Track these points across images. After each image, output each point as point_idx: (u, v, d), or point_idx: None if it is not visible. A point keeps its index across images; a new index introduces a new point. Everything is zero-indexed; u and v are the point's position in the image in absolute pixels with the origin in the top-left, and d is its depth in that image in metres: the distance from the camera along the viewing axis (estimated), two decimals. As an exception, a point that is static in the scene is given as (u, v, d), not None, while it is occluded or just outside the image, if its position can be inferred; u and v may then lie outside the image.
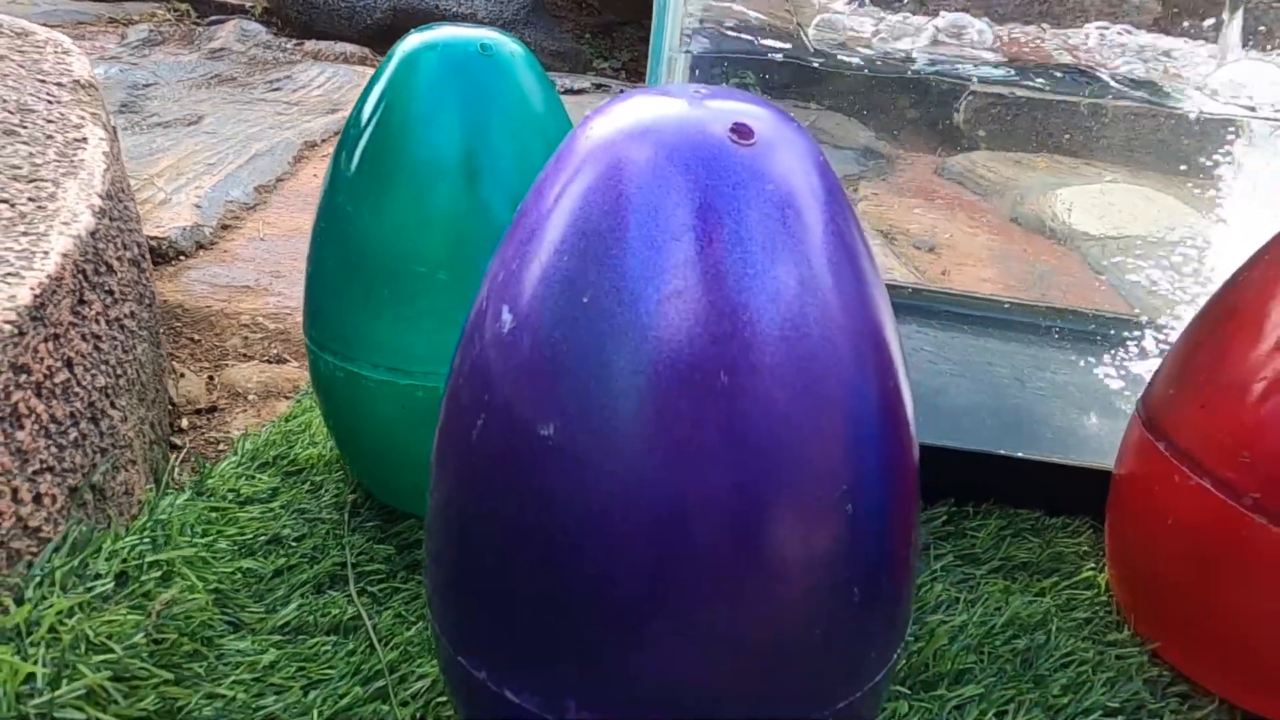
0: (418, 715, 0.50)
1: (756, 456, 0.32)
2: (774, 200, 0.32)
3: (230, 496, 0.64)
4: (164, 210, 1.22)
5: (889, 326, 0.37)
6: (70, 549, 0.49)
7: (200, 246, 1.18)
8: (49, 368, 0.44)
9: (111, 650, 0.42)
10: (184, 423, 0.84)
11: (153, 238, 1.14)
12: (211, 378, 0.92)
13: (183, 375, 0.90)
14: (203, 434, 0.83)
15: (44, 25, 2.58)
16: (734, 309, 0.31)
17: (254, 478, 0.67)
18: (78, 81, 0.65)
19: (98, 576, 0.47)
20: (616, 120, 0.34)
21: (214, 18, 2.47)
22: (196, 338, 1.00)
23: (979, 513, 0.70)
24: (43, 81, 0.63)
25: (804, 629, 0.34)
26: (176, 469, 0.69)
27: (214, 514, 0.62)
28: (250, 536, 0.61)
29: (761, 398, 0.31)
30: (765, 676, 0.34)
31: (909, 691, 0.54)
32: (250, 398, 0.89)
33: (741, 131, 0.32)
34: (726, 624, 0.33)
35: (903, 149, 1.92)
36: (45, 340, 0.43)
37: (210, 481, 0.65)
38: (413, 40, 0.60)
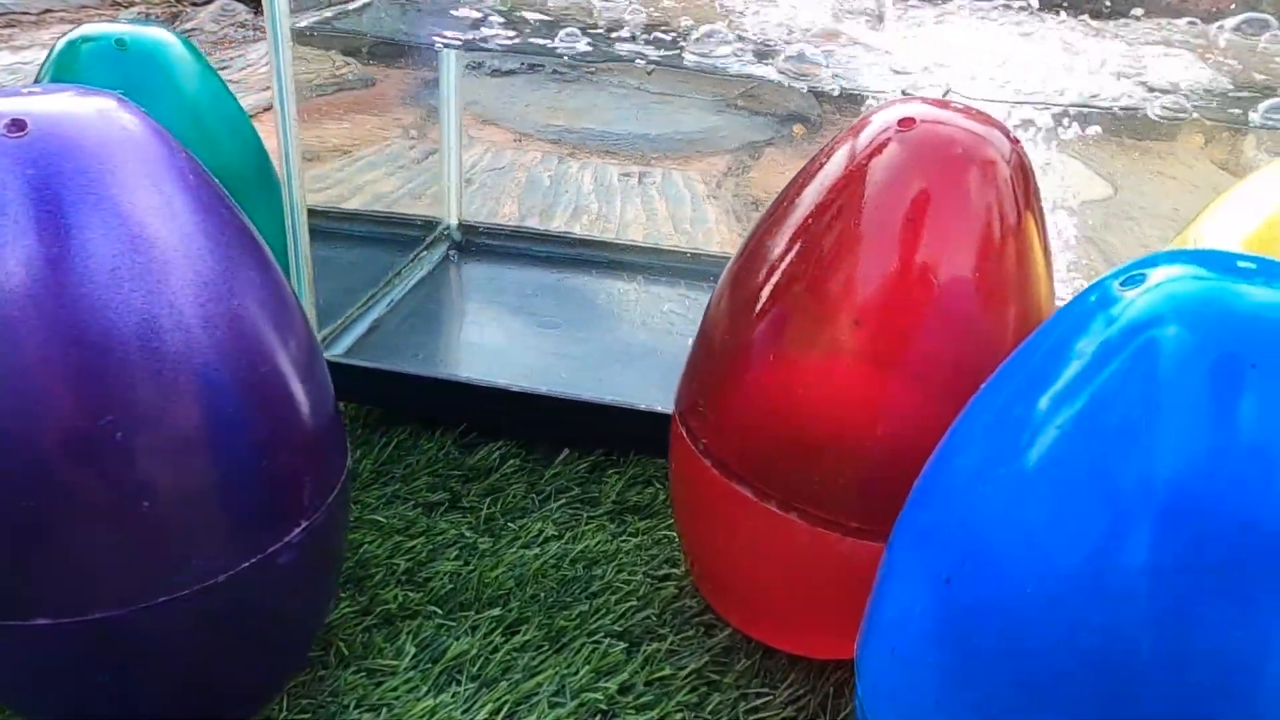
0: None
1: (16, 391, 0.39)
2: (34, 182, 0.39)
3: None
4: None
5: (230, 275, 0.44)
6: None
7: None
8: None
9: None
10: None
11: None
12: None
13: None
14: None
15: (46, 10, 2.70)
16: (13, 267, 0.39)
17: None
18: None
19: None
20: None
21: (207, -1, 2.60)
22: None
23: (627, 462, 0.75)
24: None
25: (96, 531, 0.41)
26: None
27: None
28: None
29: (23, 335, 0.39)
30: (74, 569, 0.42)
31: (441, 612, 0.60)
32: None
33: (15, 124, 0.40)
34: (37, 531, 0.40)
35: (839, 115, 1.93)
36: None
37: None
38: (74, 32, 0.69)
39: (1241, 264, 0.35)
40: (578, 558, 0.65)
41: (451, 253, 1.02)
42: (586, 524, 0.69)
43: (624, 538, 0.68)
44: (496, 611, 0.60)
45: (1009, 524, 0.35)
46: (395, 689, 0.55)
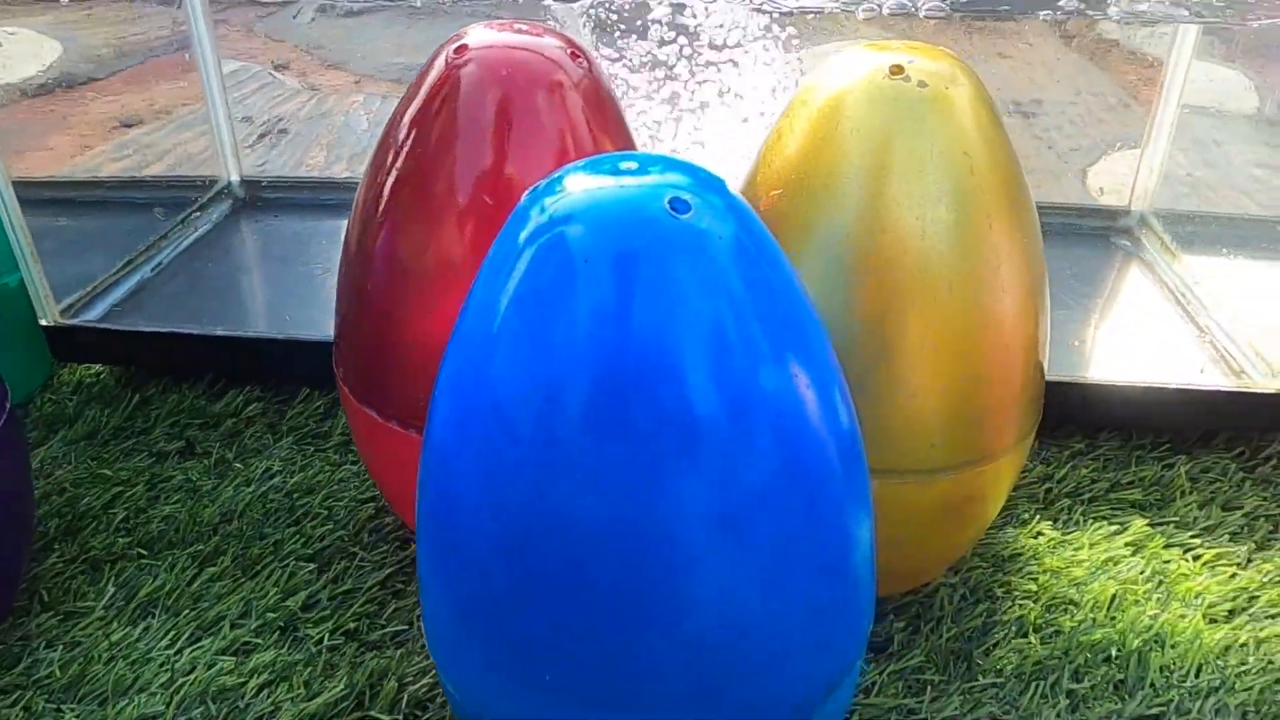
0: None
1: None
2: None
3: None
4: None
5: None
6: None
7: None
8: None
9: None
10: None
11: None
12: None
13: None
14: None
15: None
16: None
17: None
18: None
19: None
20: None
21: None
22: None
23: (367, 395, 0.79)
24: None
25: None
26: None
27: None
28: None
29: None
30: None
31: (149, 554, 0.64)
32: None
33: None
34: None
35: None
36: None
37: None
38: None
39: (624, 165, 0.38)
40: (292, 490, 0.69)
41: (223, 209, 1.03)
42: (311, 457, 0.72)
43: (345, 467, 0.71)
44: (197, 547, 0.64)
45: (462, 417, 0.39)
46: (87, 627, 0.59)
